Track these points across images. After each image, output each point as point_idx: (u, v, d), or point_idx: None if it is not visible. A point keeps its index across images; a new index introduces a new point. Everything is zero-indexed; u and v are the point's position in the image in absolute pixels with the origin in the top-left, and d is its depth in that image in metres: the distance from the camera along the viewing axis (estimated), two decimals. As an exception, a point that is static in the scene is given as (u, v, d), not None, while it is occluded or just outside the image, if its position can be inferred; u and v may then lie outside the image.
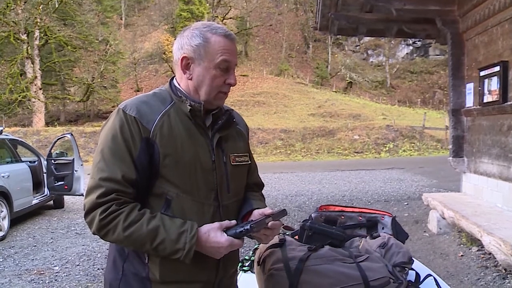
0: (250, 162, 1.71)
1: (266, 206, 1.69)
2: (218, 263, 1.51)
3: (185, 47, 1.51)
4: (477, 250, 5.27)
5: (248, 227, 1.39)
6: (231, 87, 1.57)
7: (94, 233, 1.41)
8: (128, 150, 1.41)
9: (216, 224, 1.44)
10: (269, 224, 1.48)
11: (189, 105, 1.49)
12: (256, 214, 1.56)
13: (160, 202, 1.45)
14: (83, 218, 1.42)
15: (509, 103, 5.71)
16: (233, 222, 1.48)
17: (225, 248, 1.40)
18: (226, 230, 1.43)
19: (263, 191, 1.85)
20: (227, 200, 1.55)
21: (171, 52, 43.13)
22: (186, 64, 1.52)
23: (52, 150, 8.95)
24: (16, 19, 33.87)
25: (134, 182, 1.41)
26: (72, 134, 8.91)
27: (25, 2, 34.71)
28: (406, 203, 9.11)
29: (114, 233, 1.37)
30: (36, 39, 35.45)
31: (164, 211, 1.44)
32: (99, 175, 1.39)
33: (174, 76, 1.61)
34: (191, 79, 1.52)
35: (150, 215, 1.39)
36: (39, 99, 34.98)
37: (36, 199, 8.71)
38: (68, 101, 41.17)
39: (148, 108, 1.47)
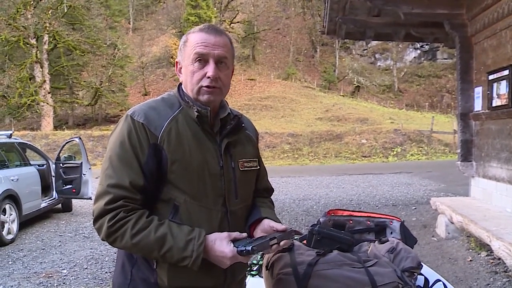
0: (259, 167, 1.70)
1: (275, 213, 1.69)
2: (226, 269, 1.49)
3: (178, 53, 1.58)
4: (486, 255, 5.22)
5: (249, 248, 1.36)
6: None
7: (103, 240, 1.41)
8: (136, 157, 1.41)
9: (225, 234, 1.43)
10: (273, 247, 1.45)
11: (196, 111, 1.49)
12: (267, 227, 1.54)
13: (168, 208, 1.45)
14: (92, 223, 1.43)
15: (518, 107, 5.68)
16: (244, 235, 1.46)
17: (229, 259, 1.38)
18: (235, 241, 1.41)
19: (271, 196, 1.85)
20: (235, 206, 1.55)
21: (178, 56, 43.77)
22: (179, 68, 1.57)
23: (61, 154, 9.00)
24: (26, 24, 34.19)
25: (142, 189, 1.41)
26: (80, 138, 8.95)
27: (34, 7, 35.05)
28: (414, 207, 9.05)
29: (122, 240, 1.37)
30: (45, 43, 35.76)
31: (172, 217, 1.43)
32: (107, 181, 1.40)
33: None
34: (182, 81, 1.56)
35: (158, 223, 1.39)
36: (47, 103, 35.23)
37: (45, 202, 8.76)
38: (76, 105, 41.41)
39: (156, 114, 1.47)
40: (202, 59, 1.48)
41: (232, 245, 1.39)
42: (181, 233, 1.38)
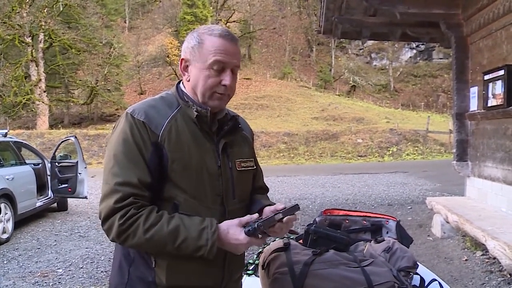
0: (255, 167, 1.71)
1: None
2: (224, 268, 1.50)
3: (184, 50, 1.54)
4: (482, 255, 5.25)
5: (255, 226, 1.38)
6: (236, 90, 1.57)
7: (113, 240, 1.40)
8: (141, 153, 1.41)
9: (236, 220, 1.43)
10: (284, 219, 1.42)
11: (195, 111, 1.49)
12: (267, 211, 1.54)
13: (168, 206, 1.44)
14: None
15: (513, 107, 5.69)
16: (254, 216, 1.46)
17: (244, 245, 1.40)
18: (245, 226, 1.41)
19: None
20: (232, 206, 1.55)
21: (174, 55, 43.17)
22: (185, 66, 1.55)
23: (56, 153, 8.96)
24: (21, 22, 34.07)
25: (149, 185, 1.41)
26: (76, 137, 8.91)
27: (30, 6, 34.93)
28: (409, 207, 9.08)
29: (135, 237, 1.36)
30: (40, 42, 35.66)
31: None
32: (114, 180, 1.38)
33: (181, 80, 1.62)
34: (189, 80, 1.54)
35: (168, 216, 1.39)
36: (43, 102, 35.11)
37: (40, 201, 8.73)
38: (72, 104, 41.26)
39: (156, 112, 1.47)
40: (220, 67, 1.48)
41: (244, 231, 1.40)
42: (193, 223, 1.38)
